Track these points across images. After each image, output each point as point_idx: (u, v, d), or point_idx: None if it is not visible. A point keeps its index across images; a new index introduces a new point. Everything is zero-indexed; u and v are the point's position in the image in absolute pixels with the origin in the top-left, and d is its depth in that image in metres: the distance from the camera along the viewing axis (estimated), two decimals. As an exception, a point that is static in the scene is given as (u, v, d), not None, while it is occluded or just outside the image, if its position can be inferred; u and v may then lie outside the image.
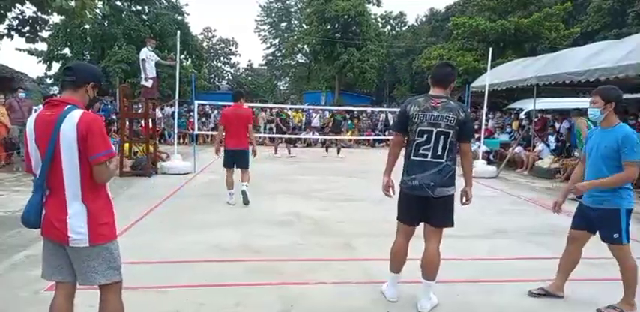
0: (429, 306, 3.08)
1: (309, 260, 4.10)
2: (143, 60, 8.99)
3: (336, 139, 14.32)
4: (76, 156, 2.08)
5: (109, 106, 13.11)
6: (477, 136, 12.38)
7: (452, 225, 3.11)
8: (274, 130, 17.39)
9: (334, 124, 14.73)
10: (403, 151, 3.21)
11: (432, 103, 3.01)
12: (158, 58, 9.62)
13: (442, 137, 2.96)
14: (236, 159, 6.33)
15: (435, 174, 2.99)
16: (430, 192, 2.99)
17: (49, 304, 2.31)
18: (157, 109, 12.15)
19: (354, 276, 3.72)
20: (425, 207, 3.06)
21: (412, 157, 3.07)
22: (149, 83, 9.08)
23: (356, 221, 5.59)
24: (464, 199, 3.14)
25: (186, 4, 29.25)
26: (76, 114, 2.08)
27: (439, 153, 2.98)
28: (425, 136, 2.99)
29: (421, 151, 3.02)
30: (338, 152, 13.62)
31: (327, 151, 13.94)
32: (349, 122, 19.00)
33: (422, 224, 3.19)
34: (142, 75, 9.18)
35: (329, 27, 32.19)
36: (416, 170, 3.04)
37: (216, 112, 18.77)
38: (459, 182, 3.09)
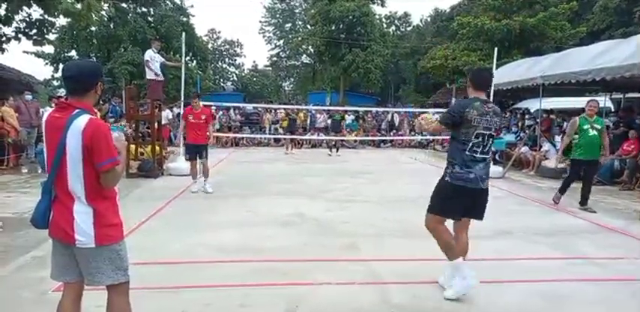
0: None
1: (314, 261, 4.10)
2: (147, 61, 9.06)
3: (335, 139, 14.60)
4: (80, 160, 2.09)
5: (117, 108, 13.18)
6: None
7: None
8: (280, 131, 17.48)
9: (332, 124, 15.00)
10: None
11: (485, 108, 3.28)
12: (163, 60, 9.66)
13: (490, 138, 3.33)
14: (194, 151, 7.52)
15: (485, 167, 3.32)
16: (482, 184, 3.27)
17: (55, 305, 2.32)
18: (167, 110, 12.20)
19: (359, 276, 3.72)
20: (473, 200, 3.29)
21: (467, 152, 3.27)
22: (153, 76, 9.11)
23: (361, 222, 5.58)
24: None
25: (192, 6, 29.40)
26: (82, 121, 2.08)
27: (486, 149, 3.32)
28: (480, 137, 3.28)
29: (474, 148, 3.28)
30: (337, 150, 13.98)
31: (330, 151, 14.13)
32: (354, 122, 19.03)
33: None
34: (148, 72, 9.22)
35: (333, 28, 32.15)
36: (472, 164, 3.27)
37: (221, 113, 18.83)
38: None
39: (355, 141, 17.25)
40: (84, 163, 2.10)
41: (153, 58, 9.11)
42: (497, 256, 4.33)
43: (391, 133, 18.90)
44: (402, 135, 18.37)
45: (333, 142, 14.48)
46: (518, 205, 6.90)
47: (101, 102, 13.24)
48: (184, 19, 28.18)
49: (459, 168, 3.26)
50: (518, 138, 12.87)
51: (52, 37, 14.05)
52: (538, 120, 12.25)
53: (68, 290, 2.30)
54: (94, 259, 2.17)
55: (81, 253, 2.17)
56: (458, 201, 3.27)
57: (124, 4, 25.14)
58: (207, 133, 7.53)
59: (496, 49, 10.60)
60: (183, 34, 10.64)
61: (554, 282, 3.48)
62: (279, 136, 16.47)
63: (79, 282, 2.27)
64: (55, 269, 2.27)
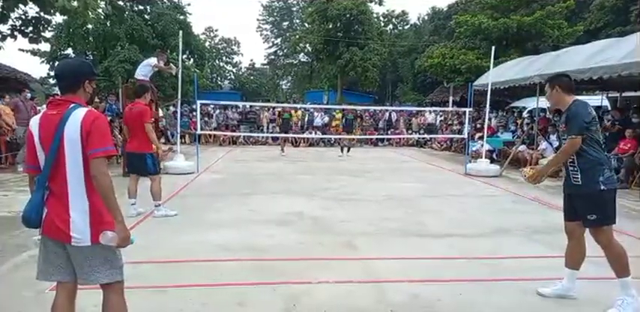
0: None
1: (312, 259, 4.11)
2: (148, 65, 8.84)
3: (348, 139, 14.42)
4: (80, 154, 2.09)
5: (114, 107, 13.15)
6: (479, 134, 12.39)
7: None
8: (277, 130, 17.47)
9: (346, 124, 14.74)
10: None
11: None
12: (155, 70, 9.41)
13: None
14: (133, 164, 5.71)
15: None
16: None
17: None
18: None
19: (357, 275, 3.72)
20: None
21: (605, 152, 3.28)
22: (141, 77, 8.99)
23: (358, 220, 5.58)
24: None
25: (189, 4, 29.28)
26: (80, 112, 2.10)
27: None
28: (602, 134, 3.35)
29: (603, 147, 3.30)
30: (347, 151, 13.69)
31: (342, 151, 13.77)
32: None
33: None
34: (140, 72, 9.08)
35: (331, 26, 32.10)
36: (609, 163, 3.33)
37: (218, 111, 18.84)
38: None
39: (353, 140, 17.25)
40: (84, 158, 2.10)
41: (151, 66, 8.92)
42: (494, 255, 4.34)
43: (389, 132, 18.92)
44: (399, 133, 18.40)
45: (345, 143, 14.28)
46: (516, 204, 6.92)
47: (97, 100, 13.20)
48: (181, 17, 28.04)
49: (609, 172, 3.13)
50: (516, 136, 12.91)
51: (48, 34, 13.93)
52: (535, 118, 12.27)
53: (62, 290, 2.28)
54: (89, 258, 2.15)
55: (76, 252, 2.15)
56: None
57: (120, 2, 25.00)
58: (151, 136, 5.46)
59: (493, 47, 10.58)
60: (180, 32, 10.57)
61: (550, 280, 3.48)
62: (277, 135, 16.45)
63: (72, 281, 2.25)
64: (46, 268, 2.22)
